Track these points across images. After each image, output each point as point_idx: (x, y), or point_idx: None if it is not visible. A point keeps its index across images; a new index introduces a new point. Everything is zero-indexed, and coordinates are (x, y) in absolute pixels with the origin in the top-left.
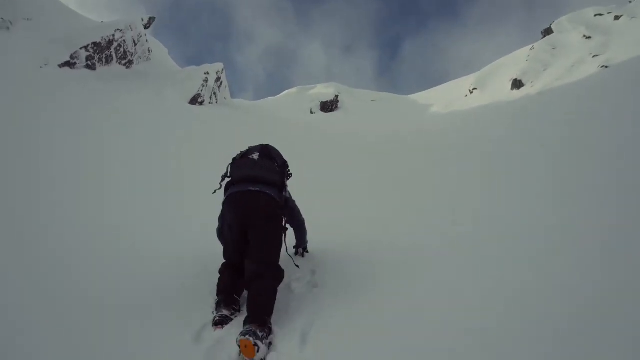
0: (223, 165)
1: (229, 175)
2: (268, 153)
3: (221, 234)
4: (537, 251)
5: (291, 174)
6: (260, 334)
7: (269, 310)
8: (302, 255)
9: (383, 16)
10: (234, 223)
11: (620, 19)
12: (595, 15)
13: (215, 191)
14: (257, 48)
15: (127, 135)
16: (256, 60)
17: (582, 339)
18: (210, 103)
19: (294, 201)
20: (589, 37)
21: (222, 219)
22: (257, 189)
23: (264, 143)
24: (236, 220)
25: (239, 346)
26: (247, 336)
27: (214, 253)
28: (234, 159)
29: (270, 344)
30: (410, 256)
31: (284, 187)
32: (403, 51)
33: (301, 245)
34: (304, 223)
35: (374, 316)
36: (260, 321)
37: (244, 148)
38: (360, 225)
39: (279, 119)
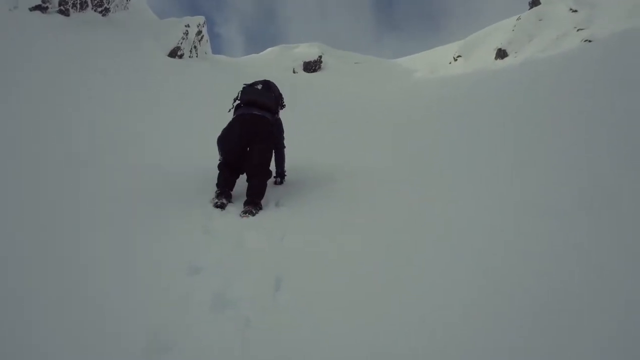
0: (210, 115)
1: (238, 98)
2: (268, 85)
3: (223, 140)
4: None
5: (285, 104)
6: (254, 212)
7: (261, 196)
8: (281, 183)
9: None
10: (240, 134)
11: None
12: None
13: (229, 110)
14: None
15: (110, 85)
16: None
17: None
18: (190, 57)
19: (283, 129)
20: (575, 11)
21: (228, 130)
22: (260, 113)
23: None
24: (242, 133)
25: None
26: (246, 214)
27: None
28: (244, 87)
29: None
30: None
31: (277, 112)
32: None
33: (280, 173)
34: (284, 150)
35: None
36: (254, 203)
37: (228, 99)
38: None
39: (262, 77)
